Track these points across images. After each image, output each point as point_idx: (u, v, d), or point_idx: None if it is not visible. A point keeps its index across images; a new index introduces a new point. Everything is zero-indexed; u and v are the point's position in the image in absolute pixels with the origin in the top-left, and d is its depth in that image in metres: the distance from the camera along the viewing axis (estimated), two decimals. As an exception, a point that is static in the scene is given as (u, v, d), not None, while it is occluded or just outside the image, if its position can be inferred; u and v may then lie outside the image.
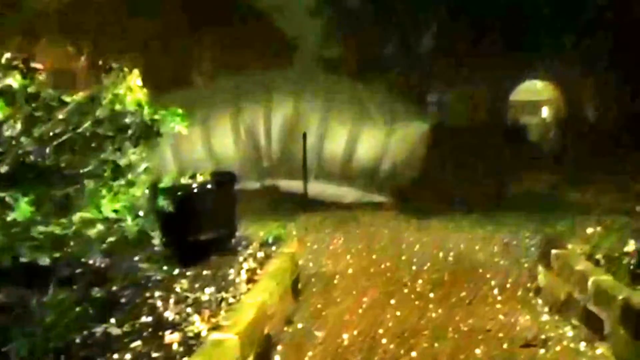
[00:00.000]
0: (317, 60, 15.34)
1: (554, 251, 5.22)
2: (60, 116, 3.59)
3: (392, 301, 5.26)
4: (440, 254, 7.11)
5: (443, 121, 16.00)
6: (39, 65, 3.81)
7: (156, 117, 3.94)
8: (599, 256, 4.94)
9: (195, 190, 4.85)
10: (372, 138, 12.13)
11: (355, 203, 11.75)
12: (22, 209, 3.15)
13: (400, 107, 13.05)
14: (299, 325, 4.64)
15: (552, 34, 16.57)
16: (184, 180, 4.97)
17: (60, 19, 13.67)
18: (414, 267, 6.48)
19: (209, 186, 4.92)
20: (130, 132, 3.71)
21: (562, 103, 20.94)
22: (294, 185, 11.92)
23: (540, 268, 5.55)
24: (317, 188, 11.97)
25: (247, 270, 4.65)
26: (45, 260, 3.15)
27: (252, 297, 3.98)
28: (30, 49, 13.58)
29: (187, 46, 13.29)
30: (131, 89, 3.94)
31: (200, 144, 11.52)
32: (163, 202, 4.21)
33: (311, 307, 5.07)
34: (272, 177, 12.08)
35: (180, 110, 4.06)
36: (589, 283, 4.43)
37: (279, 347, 4.15)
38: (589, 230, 5.84)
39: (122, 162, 3.84)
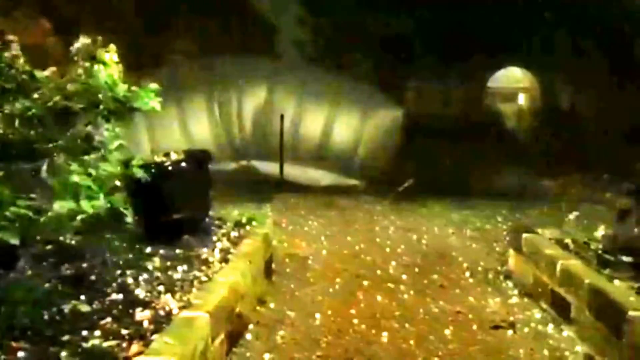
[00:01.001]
0: (295, 45, 15.26)
1: (524, 235, 5.30)
2: (36, 95, 3.52)
3: (365, 283, 5.30)
4: (414, 237, 7.16)
5: (418, 108, 16.06)
6: (13, 38, 3.73)
7: (129, 93, 3.89)
8: (568, 241, 5.04)
9: (169, 168, 4.79)
10: (348, 122, 12.17)
11: (330, 186, 11.79)
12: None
13: (376, 93, 13.08)
14: (272, 305, 4.64)
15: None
16: (158, 158, 4.91)
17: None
18: (387, 250, 6.52)
19: (182, 164, 4.87)
20: (101, 107, 3.65)
21: (538, 91, 21.12)
22: (270, 167, 11.91)
23: (511, 252, 5.64)
24: (293, 170, 11.98)
25: (220, 250, 4.64)
26: (15, 241, 3.08)
27: (224, 276, 3.97)
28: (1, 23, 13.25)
29: (162, 27, 13.12)
30: (105, 64, 3.88)
31: (176, 125, 11.45)
32: (140, 173, 4.13)
33: (284, 288, 5.08)
34: (248, 159, 12.06)
35: (154, 86, 4.01)
36: (557, 267, 4.51)
37: (251, 327, 4.16)
38: (570, 217, 5.91)
39: (95, 137, 3.79)
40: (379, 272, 5.67)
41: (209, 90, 11.97)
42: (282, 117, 11.32)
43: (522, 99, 23.15)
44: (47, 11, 13.30)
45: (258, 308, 4.53)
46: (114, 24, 12.57)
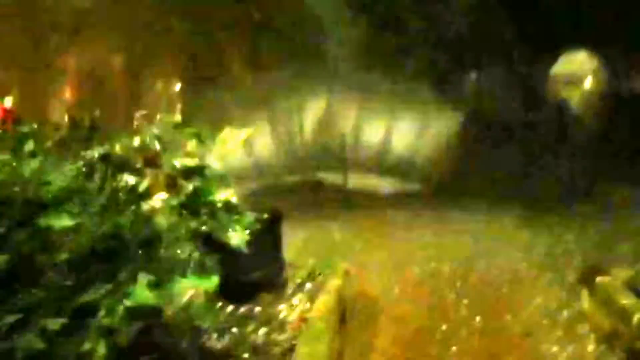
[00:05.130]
0: (348, 51, 15.22)
1: (597, 280, 5.23)
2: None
3: (438, 329, 5.36)
4: (482, 265, 7.15)
5: (477, 106, 15.76)
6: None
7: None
8: (644, 287, 4.94)
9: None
10: (408, 127, 12.21)
11: (393, 195, 11.88)
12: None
13: (434, 96, 12.99)
14: (348, 360, 4.80)
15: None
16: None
17: (99, 16, 13.74)
18: (457, 284, 6.54)
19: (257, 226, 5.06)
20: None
21: (603, 75, 20.32)
22: (333, 177, 12.11)
23: (584, 292, 5.57)
24: (357, 180, 12.14)
25: (297, 307, 4.86)
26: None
27: (304, 341, 4.17)
28: (68, 48, 13.75)
29: (218, 46, 13.36)
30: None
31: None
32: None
33: (358, 339, 5.19)
34: (312, 171, 12.29)
35: (201, 132, 4.27)
36: (634, 319, 4.45)
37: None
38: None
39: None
40: (450, 314, 5.71)
41: (269, 105, 12.22)
42: (343, 135, 11.47)
43: (588, 84, 22.34)
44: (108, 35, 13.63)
45: (336, 365, 4.70)
46: (175, 47, 12.91)
